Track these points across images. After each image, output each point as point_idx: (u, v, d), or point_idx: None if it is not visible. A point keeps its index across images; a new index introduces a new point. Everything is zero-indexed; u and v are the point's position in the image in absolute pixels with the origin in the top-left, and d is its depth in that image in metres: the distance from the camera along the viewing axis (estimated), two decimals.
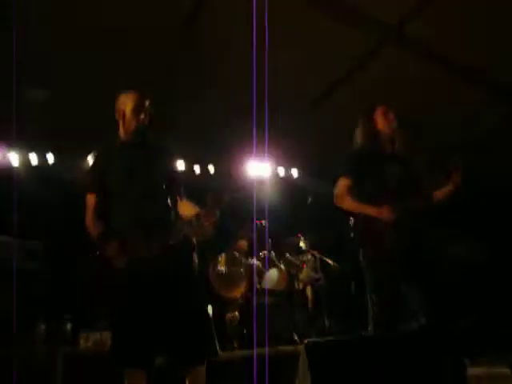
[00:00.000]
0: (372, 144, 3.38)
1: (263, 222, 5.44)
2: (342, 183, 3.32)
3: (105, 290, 2.72)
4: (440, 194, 3.35)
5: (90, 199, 2.85)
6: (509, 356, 3.73)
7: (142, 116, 2.80)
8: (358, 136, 3.45)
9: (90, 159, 2.93)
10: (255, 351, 4.02)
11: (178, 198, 2.89)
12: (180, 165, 6.04)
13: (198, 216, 2.59)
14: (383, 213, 3.15)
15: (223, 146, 6.03)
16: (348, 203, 3.30)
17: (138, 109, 2.81)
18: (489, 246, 6.12)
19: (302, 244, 5.70)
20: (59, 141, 5.59)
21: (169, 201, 2.86)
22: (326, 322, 4.80)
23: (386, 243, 3.16)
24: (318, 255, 5.48)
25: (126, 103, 2.84)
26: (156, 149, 2.93)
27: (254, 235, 5.39)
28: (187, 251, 2.80)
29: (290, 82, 5.01)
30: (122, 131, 2.89)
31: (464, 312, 4.91)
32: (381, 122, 3.39)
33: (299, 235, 5.82)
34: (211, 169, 6.75)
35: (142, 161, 2.82)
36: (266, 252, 5.45)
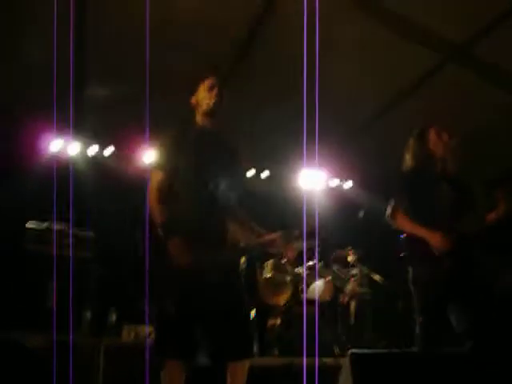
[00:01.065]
0: (425, 164, 3.35)
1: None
2: (396, 201, 3.32)
3: (158, 284, 2.73)
4: (493, 216, 3.24)
5: (157, 177, 2.79)
6: None
7: (216, 93, 2.87)
8: (411, 155, 3.43)
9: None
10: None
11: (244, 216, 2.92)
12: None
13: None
14: (435, 238, 3.12)
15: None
16: (401, 222, 3.27)
17: (211, 87, 2.88)
18: None
19: (350, 257, 5.65)
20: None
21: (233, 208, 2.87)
22: (368, 337, 4.75)
23: (436, 265, 3.13)
24: (365, 270, 5.42)
25: (201, 86, 2.92)
26: (231, 148, 2.98)
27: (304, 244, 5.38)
28: (237, 259, 2.94)
29: (351, 93, 5.02)
30: (198, 115, 2.93)
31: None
32: (434, 142, 3.36)
33: (349, 248, 5.79)
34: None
35: (214, 157, 2.84)
36: (313, 262, 5.44)
